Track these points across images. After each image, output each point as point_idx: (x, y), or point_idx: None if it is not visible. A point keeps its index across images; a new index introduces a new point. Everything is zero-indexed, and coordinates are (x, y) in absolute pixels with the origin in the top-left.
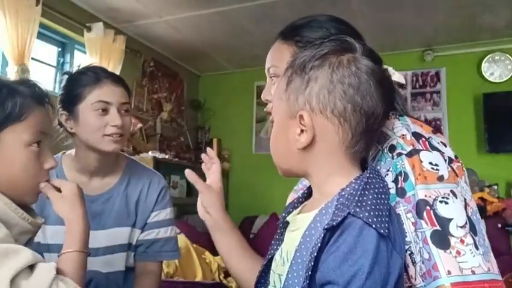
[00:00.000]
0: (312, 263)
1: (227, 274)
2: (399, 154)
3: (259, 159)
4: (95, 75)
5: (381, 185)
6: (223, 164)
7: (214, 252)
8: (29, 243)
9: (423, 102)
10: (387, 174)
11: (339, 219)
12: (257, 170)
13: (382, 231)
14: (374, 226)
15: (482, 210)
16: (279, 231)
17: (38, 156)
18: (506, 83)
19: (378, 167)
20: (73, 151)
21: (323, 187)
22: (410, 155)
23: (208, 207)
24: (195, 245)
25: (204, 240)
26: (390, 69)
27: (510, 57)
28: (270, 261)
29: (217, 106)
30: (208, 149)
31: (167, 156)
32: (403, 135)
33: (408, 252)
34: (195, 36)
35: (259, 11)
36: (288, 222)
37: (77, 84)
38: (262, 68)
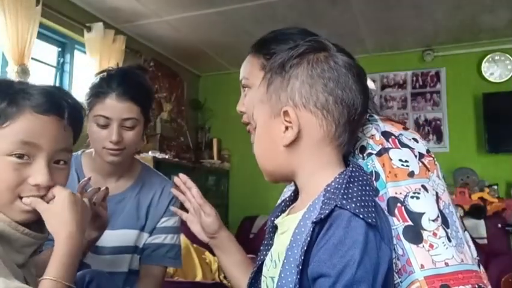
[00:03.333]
0: (303, 258)
1: None
2: (370, 154)
3: None
4: (104, 87)
5: (365, 178)
6: (223, 164)
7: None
8: (35, 253)
9: (423, 102)
10: None
11: (327, 212)
12: (257, 170)
13: (370, 220)
14: (361, 216)
15: (482, 210)
16: (267, 236)
17: (18, 168)
18: (506, 83)
19: None
20: (92, 150)
21: (309, 186)
22: (379, 154)
23: (211, 233)
24: (195, 245)
25: None
26: None
27: (510, 57)
28: (259, 268)
29: (217, 106)
30: (181, 174)
31: (167, 156)
32: (372, 135)
33: None
34: (195, 36)
35: (259, 11)
36: (276, 227)
37: (90, 92)
38: None
